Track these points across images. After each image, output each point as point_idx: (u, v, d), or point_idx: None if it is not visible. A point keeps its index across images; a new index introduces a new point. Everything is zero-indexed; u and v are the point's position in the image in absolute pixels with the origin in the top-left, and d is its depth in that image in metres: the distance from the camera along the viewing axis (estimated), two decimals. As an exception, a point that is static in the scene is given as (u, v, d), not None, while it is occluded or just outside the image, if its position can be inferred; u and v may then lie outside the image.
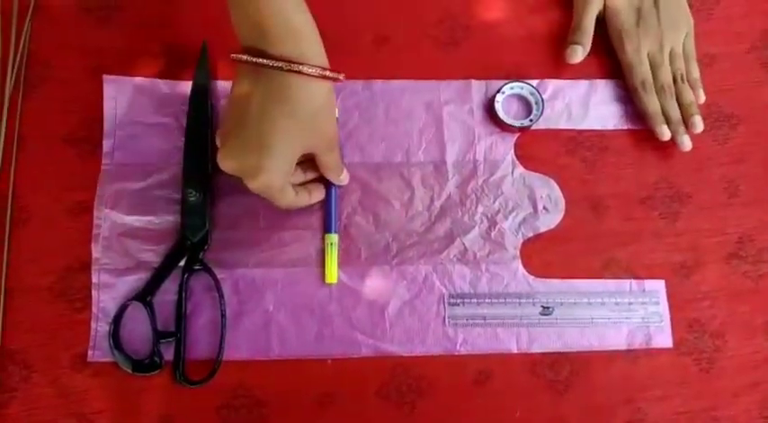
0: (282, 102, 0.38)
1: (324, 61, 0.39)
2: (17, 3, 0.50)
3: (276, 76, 0.37)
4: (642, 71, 0.49)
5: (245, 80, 0.38)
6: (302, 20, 0.38)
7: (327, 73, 0.38)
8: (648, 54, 0.49)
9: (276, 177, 0.39)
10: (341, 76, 0.39)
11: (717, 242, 0.47)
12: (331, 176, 0.45)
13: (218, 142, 0.41)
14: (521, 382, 0.44)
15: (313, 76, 0.37)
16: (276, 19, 0.37)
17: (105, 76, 0.48)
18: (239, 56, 0.38)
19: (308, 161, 0.44)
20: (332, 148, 0.43)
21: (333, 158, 0.44)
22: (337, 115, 0.47)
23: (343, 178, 0.46)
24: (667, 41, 0.49)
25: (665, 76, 0.49)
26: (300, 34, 0.38)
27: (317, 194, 0.45)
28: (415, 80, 0.49)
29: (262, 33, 0.37)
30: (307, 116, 0.38)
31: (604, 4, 0.50)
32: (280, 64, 0.37)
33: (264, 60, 0.37)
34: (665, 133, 0.48)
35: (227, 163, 0.39)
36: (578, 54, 0.49)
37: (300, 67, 0.37)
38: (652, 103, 0.48)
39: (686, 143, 0.48)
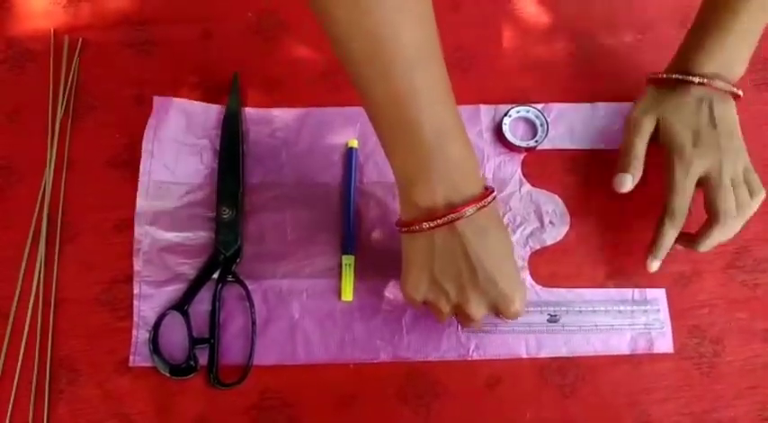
0: (490, 234, 0.39)
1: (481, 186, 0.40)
2: (67, 39, 0.54)
3: (472, 220, 0.38)
4: (680, 201, 0.45)
5: (434, 238, 0.39)
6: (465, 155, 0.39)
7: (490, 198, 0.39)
8: (705, 178, 0.45)
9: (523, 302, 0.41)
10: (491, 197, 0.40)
11: (715, 253, 0.49)
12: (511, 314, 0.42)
13: (445, 307, 0.41)
14: (530, 385, 0.46)
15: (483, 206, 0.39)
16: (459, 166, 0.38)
17: (156, 97, 0.51)
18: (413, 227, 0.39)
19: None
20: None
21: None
22: (355, 146, 0.51)
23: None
24: (728, 167, 0.45)
25: (728, 199, 0.44)
26: (464, 171, 0.39)
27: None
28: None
29: (452, 187, 0.38)
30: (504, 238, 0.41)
31: (657, 124, 0.47)
32: (467, 210, 0.38)
33: (453, 215, 0.38)
34: (653, 267, 0.47)
35: (479, 306, 0.40)
36: (627, 184, 0.46)
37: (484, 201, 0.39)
38: (668, 237, 0.45)
39: (653, 266, 0.46)
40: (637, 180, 0.47)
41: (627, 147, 0.48)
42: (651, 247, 0.46)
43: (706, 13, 0.47)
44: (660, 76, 0.49)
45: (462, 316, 0.42)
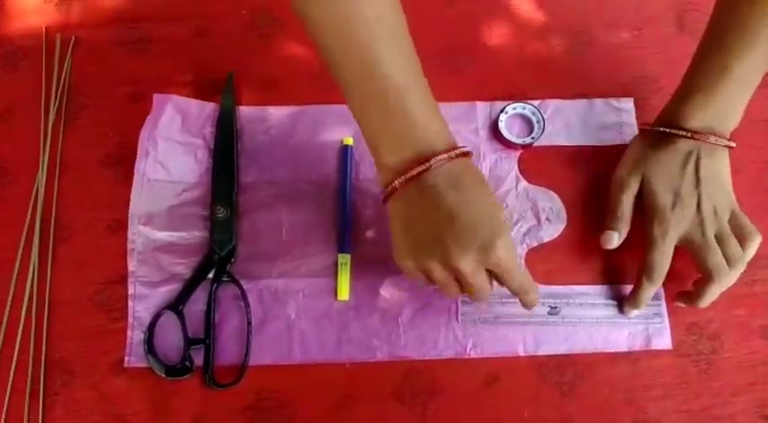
0: (464, 185, 0.39)
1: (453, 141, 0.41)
2: (60, 37, 0.54)
3: (443, 172, 0.39)
4: (659, 260, 0.45)
5: (408, 197, 0.40)
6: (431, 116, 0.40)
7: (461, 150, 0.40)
8: (686, 240, 0.45)
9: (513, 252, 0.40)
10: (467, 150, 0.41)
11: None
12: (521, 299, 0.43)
13: (412, 261, 0.40)
14: (527, 383, 0.46)
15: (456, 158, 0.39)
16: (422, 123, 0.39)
17: (156, 95, 0.51)
18: (399, 180, 0.39)
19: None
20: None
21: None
22: (351, 143, 0.50)
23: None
24: (710, 226, 0.45)
25: (715, 258, 0.44)
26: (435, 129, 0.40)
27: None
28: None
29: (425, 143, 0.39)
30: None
31: (641, 184, 0.47)
32: (449, 154, 0.39)
33: (444, 155, 0.39)
34: (631, 314, 0.47)
35: (462, 258, 0.38)
36: (614, 241, 0.47)
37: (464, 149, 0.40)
38: (647, 293, 0.46)
39: (632, 314, 0.47)
40: (623, 237, 0.47)
41: (614, 205, 0.48)
42: (630, 299, 0.47)
43: (697, 68, 0.46)
44: (651, 128, 0.48)
45: (462, 281, 0.40)
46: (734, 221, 0.45)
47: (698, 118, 0.45)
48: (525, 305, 0.43)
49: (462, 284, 0.41)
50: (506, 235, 0.39)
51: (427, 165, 0.38)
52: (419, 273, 0.41)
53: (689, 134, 0.45)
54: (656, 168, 0.46)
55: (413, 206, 0.40)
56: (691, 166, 0.45)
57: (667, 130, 0.46)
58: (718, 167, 0.46)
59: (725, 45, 0.44)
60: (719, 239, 0.45)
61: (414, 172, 0.39)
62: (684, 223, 0.45)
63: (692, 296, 0.46)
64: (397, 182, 0.39)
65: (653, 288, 0.46)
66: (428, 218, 0.39)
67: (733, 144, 0.46)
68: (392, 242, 0.42)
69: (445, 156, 0.39)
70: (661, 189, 0.46)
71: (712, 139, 0.45)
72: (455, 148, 0.40)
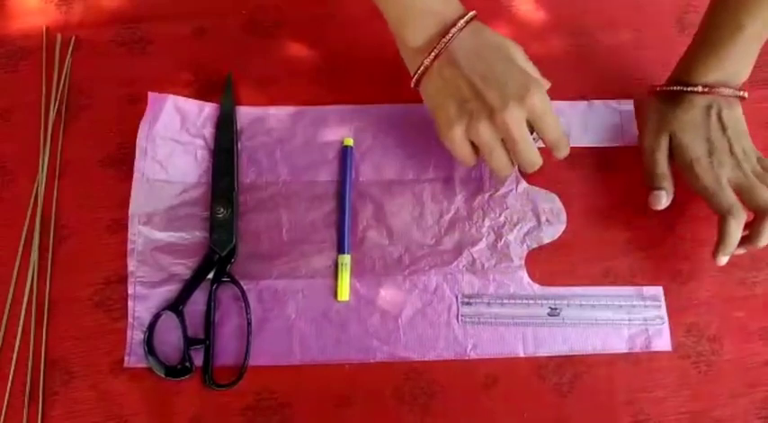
0: (488, 37, 0.44)
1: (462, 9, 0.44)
2: (60, 37, 0.54)
3: (466, 36, 0.43)
4: (726, 199, 0.45)
5: (441, 71, 0.43)
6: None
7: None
8: (733, 183, 0.46)
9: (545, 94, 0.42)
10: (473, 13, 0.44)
11: (712, 251, 0.50)
12: (556, 153, 0.45)
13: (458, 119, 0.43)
14: (527, 384, 0.46)
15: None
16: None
17: (151, 94, 0.51)
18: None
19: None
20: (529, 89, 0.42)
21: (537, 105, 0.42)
22: (351, 144, 0.50)
23: (564, 146, 0.45)
24: (747, 166, 0.46)
25: (765, 193, 0.45)
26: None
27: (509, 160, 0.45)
28: (422, 103, 0.52)
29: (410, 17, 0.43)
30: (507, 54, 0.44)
31: (671, 142, 0.48)
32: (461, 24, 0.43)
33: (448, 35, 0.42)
34: (722, 261, 0.46)
35: (506, 107, 0.41)
36: (663, 200, 0.47)
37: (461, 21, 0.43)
38: (735, 233, 0.45)
39: (722, 261, 0.46)
40: (671, 196, 0.48)
41: (651, 166, 0.49)
42: (719, 244, 0.46)
43: (708, 26, 0.47)
44: (665, 88, 0.49)
45: (507, 139, 0.43)
46: (762, 163, 0.47)
47: (711, 74, 0.47)
48: (559, 155, 0.45)
49: (508, 144, 0.43)
50: (537, 81, 0.42)
51: (449, 35, 0.42)
52: (466, 142, 0.44)
53: (704, 89, 0.47)
54: (681, 123, 0.48)
55: (447, 78, 0.43)
56: (714, 117, 0.47)
57: (684, 88, 0.48)
58: (738, 116, 0.48)
59: (738, 3, 0.45)
60: (759, 177, 0.46)
61: (440, 46, 0.42)
62: (726, 167, 0.46)
63: (749, 238, 0.46)
64: (427, 60, 0.43)
65: (740, 223, 0.45)
66: (464, 83, 0.42)
67: (746, 95, 0.48)
68: (436, 122, 0.45)
69: (463, 22, 0.42)
70: (693, 141, 0.47)
71: (726, 91, 0.47)
72: (465, 13, 0.43)
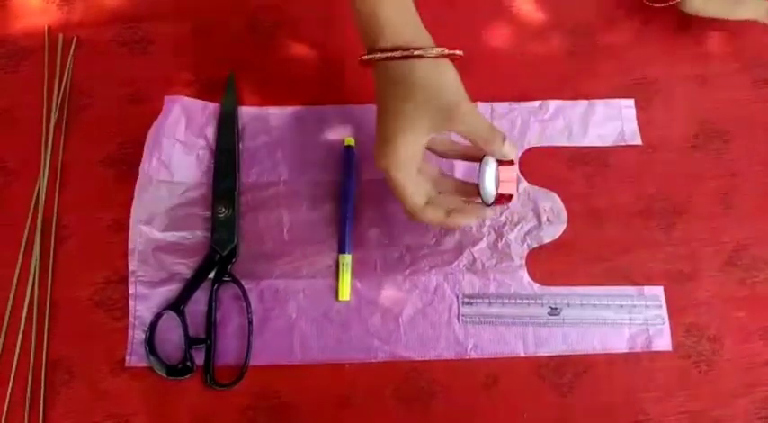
0: (397, 87, 0.40)
1: (430, 41, 0.41)
2: (62, 37, 0.54)
3: (391, 67, 0.40)
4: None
5: (377, 80, 0.41)
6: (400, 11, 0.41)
7: (446, 52, 0.40)
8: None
9: (394, 165, 0.40)
10: (458, 53, 0.41)
11: (713, 251, 0.50)
12: (490, 148, 0.42)
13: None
14: (527, 384, 0.46)
15: (429, 57, 0.40)
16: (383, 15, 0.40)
17: (166, 97, 0.51)
18: (361, 57, 0.41)
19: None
20: (464, 119, 0.40)
21: (472, 126, 0.41)
22: (352, 144, 0.50)
23: (507, 150, 0.42)
24: None
25: None
26: (405, 24, 0.41)
27: (459, 219, 0.44)
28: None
29: (375, 32, 0.40)
30: (423, 95, 0.40)
31: None
32: (393, 54, 0.40)
33: (380, 54, 0.40)
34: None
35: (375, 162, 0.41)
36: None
37: (417, 52, 0.39)
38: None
39: None
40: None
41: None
42: None
43: None
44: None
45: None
46: None
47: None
48: (494, 153, 0.42)
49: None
50: (468, 101, 0.41)
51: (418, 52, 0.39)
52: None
53: None
54: None
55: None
56: None
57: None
58: None
59: None
60: None
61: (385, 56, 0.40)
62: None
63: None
64: (380, 55, 0.40)
65: None
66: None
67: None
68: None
69: (434, 52, 0.40)
70: None
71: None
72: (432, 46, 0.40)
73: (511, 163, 0.44)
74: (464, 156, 0.46)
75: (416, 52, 0.40)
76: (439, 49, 0.40)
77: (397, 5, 0.41)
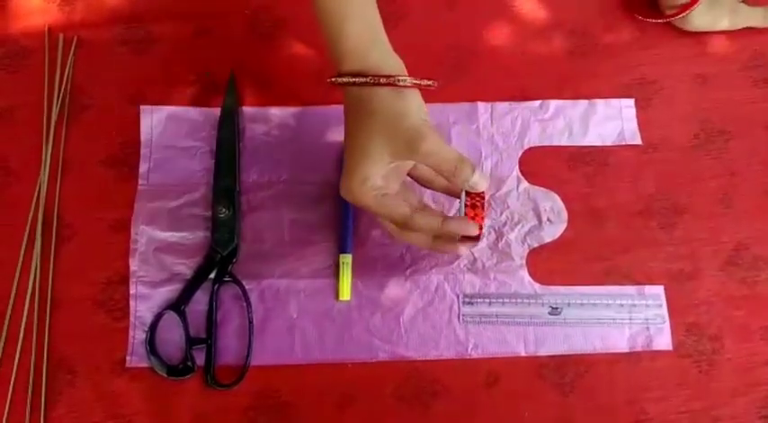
0: (359, 113, 0.39)
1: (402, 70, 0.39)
2: (62, 37, 0.54)
3: (354, 91, 0.39)
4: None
5: (344, 102, 0.40)
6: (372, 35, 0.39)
7: (415, 81, 0.39)
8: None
9: (357, 192, 0.38)
10: (433, 84, 0.39)
11: (713, 250, 0.50)
12: (457, 180, 0.39)
13: None
14: (528, 383, 0.46)
15: (402, 86, 0.38)
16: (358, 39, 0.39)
17: (142, 107, 0.51)
18: (331, 79, 0.40)
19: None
20: (428, 149, 0.38)
21: (438, 157, 0.38)
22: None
23: (476, 180, 0.39)
24: None
25: None
26: (371, 46, 0.39)
27: (448, 246, 0.42)
28: (426, 103, 0.53)
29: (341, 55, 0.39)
30: (382, 123, 0.38)
31: None
32: (356, 79, 0.38)
33: (342, 79, 0.39)
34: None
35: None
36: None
37: (384, 79, 0.37)
38: None
39: None
40: None
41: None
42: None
43: None
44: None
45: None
46: None
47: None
48: (461, 185, 0.40)
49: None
50: (432, 132, 0.39)
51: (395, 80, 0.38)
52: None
53: None
54: None
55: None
56: None
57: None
58: None
59: None
60: None
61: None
62: None
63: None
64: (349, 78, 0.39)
65: None
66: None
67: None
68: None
69: (408, 80, 0.38)
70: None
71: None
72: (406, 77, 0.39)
73: (481, 196, 0.41)
74: (447, 190, 0.45)
75: (383, 80, 0.38)
76: (409, 79, 0.38)
77: (364, 25, 0.39)
